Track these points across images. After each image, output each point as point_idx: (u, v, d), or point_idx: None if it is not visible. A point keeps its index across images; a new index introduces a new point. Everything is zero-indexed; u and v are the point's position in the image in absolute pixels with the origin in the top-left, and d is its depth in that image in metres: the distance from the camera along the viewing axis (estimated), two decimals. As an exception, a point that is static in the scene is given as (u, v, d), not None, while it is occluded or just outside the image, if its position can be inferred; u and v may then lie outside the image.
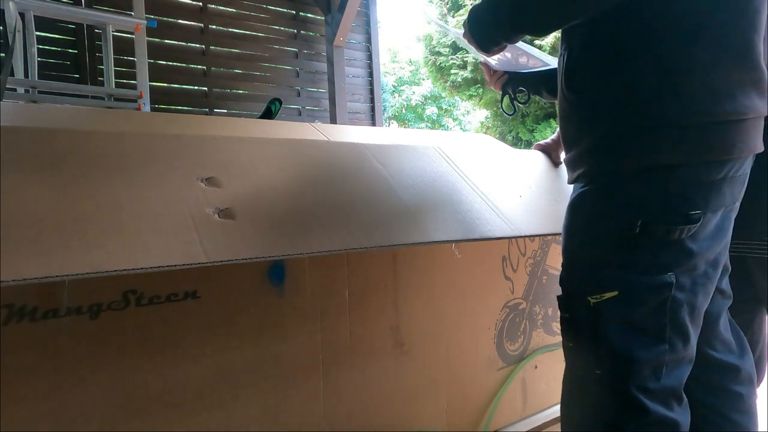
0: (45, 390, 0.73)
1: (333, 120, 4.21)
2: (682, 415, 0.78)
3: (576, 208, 0.83)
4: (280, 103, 1.88)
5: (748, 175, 0.81)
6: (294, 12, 4.21)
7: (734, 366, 0.88)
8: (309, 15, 4.28)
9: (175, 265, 0.70)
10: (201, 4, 3.77)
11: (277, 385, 0.95)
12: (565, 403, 0.85)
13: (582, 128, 0.80)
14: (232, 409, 0.89)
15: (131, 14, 2.80)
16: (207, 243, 0.76)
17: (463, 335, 1.22)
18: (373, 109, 4.66)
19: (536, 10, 0.79)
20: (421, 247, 1.10)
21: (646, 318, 0.76)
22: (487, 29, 0.87)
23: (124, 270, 0.67)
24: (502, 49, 0.95)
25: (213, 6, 3.82)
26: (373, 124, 4.66)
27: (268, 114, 1.84)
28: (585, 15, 0.75)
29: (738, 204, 0.81)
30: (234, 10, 3.91)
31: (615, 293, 0.75)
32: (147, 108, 2.73)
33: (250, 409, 0.92)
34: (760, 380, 1.29)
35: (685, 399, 0.79)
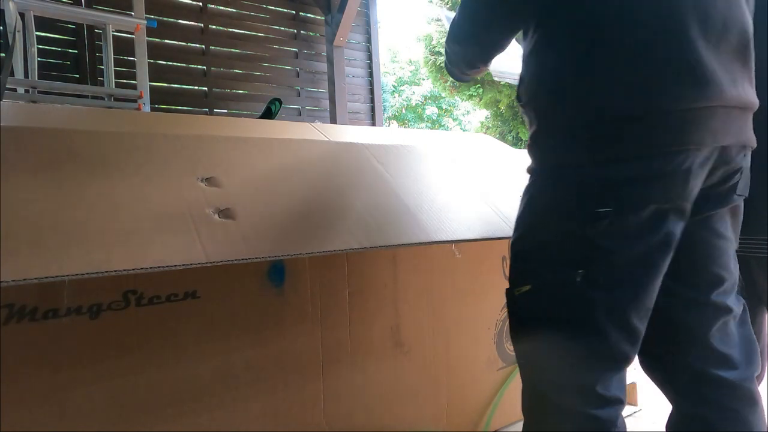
0: (45, 390, 0.73)
1: (333, 120, 4.21)
2: (605, 413, 0.76)
3: (520, 200, 0.87)
4: (280, 103, 1.88)
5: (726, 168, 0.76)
6: (294, 12, 4.21)
7: (731, 382, 0.82)
8: (309, 15, 4.28)
9: (175, 266, 0.70)
10: (201, 4, 3.77)
11: (277, 385, 0.94)
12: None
13: (528, 126, 0.86)
14: (232, 409, 0.89)
15: (131, 14, 2.80)
16: (207, 243, 0.76)
17: (463, 335, 1.22)
18: (373, 109, 4.66)
19: (470, 52, 0.96)
20: (421, 247, 1.10)
21: (556, 313, 0.76)
22: (454, 71, 1.04)
23: (124, 270, 0.67)
24: (480, 71, 1.05)
25: (213, 6, 3.81)
26: (373, 124, 4.66)
27: (268, 114, 1.84)
28: (500, 44, 0.90)
29: (686, 202, 0.74)
30: (234, 10, 3.91)
31: (529, 287, 0.78)
32: (147, 108, 2.73)
33: (250, 409, 0.92)
34: (760, 380, 1.29)
35: (613, 397, 0.76)
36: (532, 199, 0.82)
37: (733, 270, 0.84)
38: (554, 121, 0.78)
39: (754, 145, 0.80)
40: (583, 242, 0.74)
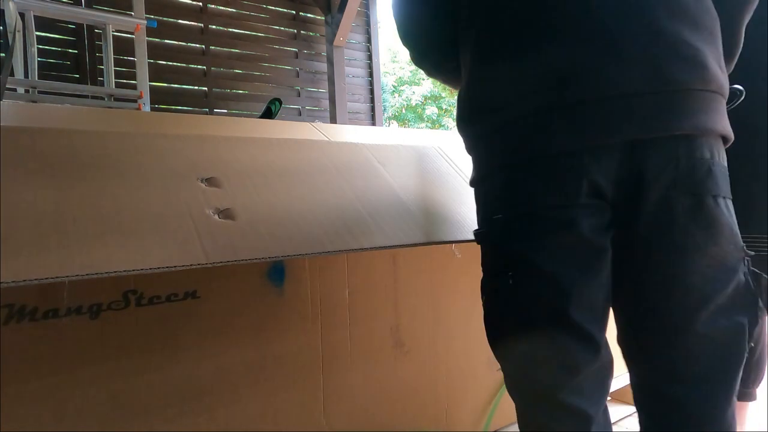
0: (45, 390, 0.73)
1: (333, 120, 4.21)
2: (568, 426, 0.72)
3: None
4: (280, 103, 1.88)
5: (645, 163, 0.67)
6: (294, 12, 4.21)
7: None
8: (309, 15, 4.28)
9: (175, 266, 0.70)
10: (201, 4, 3.77)
11: (277, 385, 0.94)
12: None
13: None
14: (232, 409, 0.89)
15: (131, 14, 2.80)
16: (207, 244, 0.76)
17: (463, 335, 1.22)
18: (373, 109, 4.65)
19: (426, 62, 0.95)
20: (421, 247, 1.10)
21: (501, 319, 0.76)
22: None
23: (124, 271, 0.67)
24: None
25: (213, 6, 3.82)
26: (373, 124, 4.66)
27: (268, 114, 1.84)
28: (445, 57, 0.88)
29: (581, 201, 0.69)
30: (234, 10, 3.91)
31: (484, 297, 0.79)
32: (147, 108, 2.73)
33: (250, 409, 0.92)
34: (759, 381, 1.29)
35: (576, 408, 0.71)
36: (476, 213, 0.84)
37: None
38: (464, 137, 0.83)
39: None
40: (496, 248, 0.76)
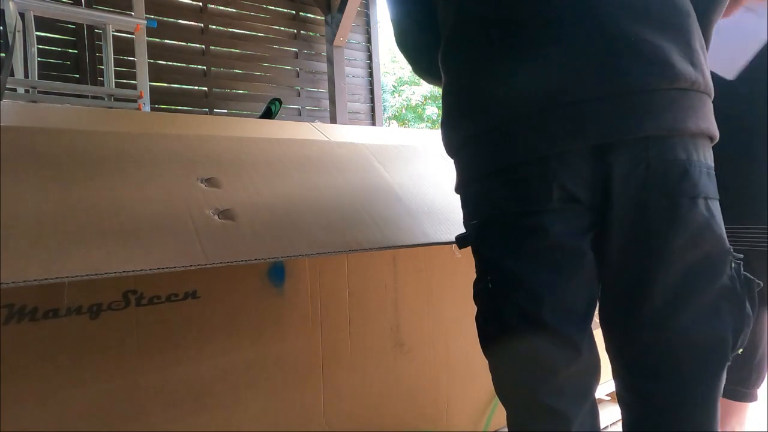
0: (45, 390, 0.73)
1: (333, 120, 4.21)
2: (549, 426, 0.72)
3: None
4: (280, 103, 1.88)
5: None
6: (294, 12, 4.21)
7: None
8: (309, 15, 4.28)
9: (175, 267, 0.70)
10: (201, 4, 3.77)
11: (277, 385, 0.94)
12: None
13: None
14: (232, 409, 0.89)
15: (131, 14, 2.80)
16: (207, 244, 0.76)
17: (463, 335, 1.22)
18: (373, 109, 4.65)
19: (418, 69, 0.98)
20: (421, 248, 1.10)
21: (486, 323, 0.76)
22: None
23: (124, 272, 0.67)
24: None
25: (213, 6, 3.81)
26: (373, 124, 4.66)
27: (268, 114, 1.84)
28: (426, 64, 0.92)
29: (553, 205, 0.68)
30: (234, 10, 3.91)
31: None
32: (147, 108, 2.73)
33: (250, 409, 0.92)
34: (760, 382, 1.29)
35: (557, 410, 0.71)
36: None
37: None
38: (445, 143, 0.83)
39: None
40: (479, 255, 0.76)
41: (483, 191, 0.75)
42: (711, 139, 0.71)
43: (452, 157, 0.83)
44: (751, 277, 0.71)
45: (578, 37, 0.66)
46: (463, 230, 0.82)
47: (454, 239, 0.84)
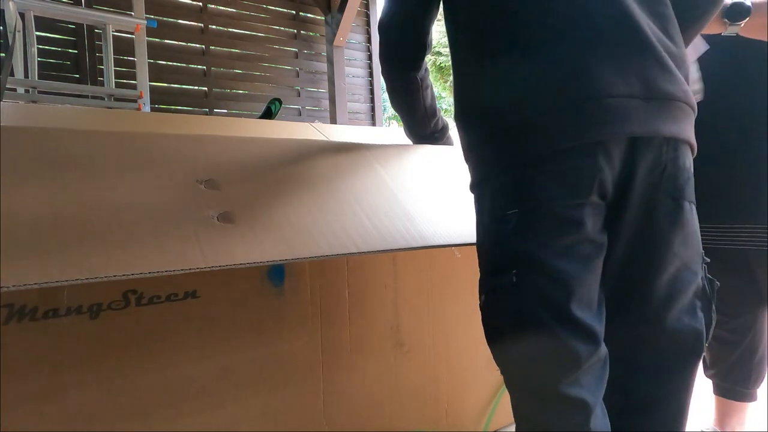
0: (45, 390, 0.73)
1: (333, 120, 4.20)
2: (567, 417, 0.73)
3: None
4: (280, 103, 1.88)
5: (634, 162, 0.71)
6: (294, 12, 4.20)
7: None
8: (309, 15, 4.27)
9: (174, 270, 0.70)
10: (201, 4, 3.76)
11: (277, 385, 0.95)
12: None
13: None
14: (232, 409, 0.89)
15: (131, 14, 2.80)
16: (206, 247, 0.76)
17: (463, 335, 1.22)
18: (373, 109, 4.65)
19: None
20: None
21: (504, 318, 0.76)
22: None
23: (123, 275, 0.67)
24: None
25: (213, 6, 3.81)
26: (373, 124, 4.66)
27: (268, 114, 1.84)
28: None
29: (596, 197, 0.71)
30: (234, 10, 3.91)
31: (483, 296, 0.79)
32: (147, 108, 2.73)
33: (250, 409, 0.92)
34: (760, 382, 1.29)
35: (578, 399, 0.72)
36: (476, 215, 0.82)
37: None
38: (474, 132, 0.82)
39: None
40: (504, 248, 0.75)
41: (518, 182, 0.74)
42: (693, 151, 0.79)
43: (472, 151, 0.81)
44: (713, 278, 0.79)
45: (615, 40, 0.71)
46: (471, 229, 0.81)
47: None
